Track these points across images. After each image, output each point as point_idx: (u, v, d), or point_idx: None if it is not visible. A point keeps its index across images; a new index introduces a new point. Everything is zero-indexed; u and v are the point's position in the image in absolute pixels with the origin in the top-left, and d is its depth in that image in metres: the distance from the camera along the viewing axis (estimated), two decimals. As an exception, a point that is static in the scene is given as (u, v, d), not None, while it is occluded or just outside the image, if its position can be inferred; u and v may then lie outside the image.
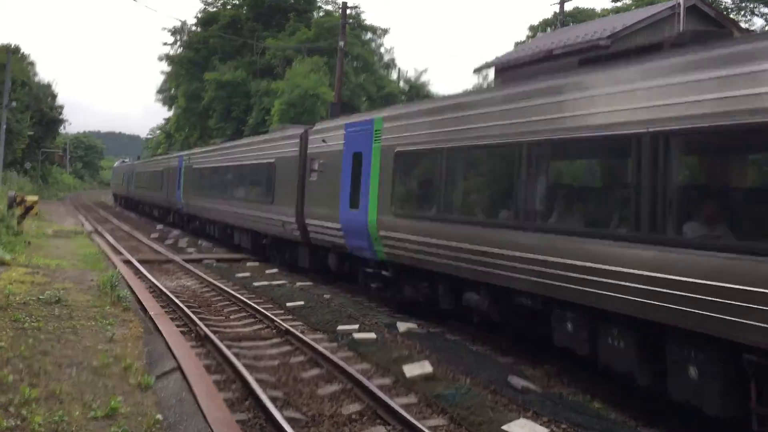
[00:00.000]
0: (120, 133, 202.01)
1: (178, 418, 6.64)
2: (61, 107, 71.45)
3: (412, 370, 9.19)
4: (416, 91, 50.47)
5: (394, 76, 54.68)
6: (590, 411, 8.07)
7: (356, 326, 11.87)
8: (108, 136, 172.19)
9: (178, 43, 59.47)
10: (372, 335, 11.20)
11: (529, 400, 8.20)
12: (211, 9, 57.92)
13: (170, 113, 69.79)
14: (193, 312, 12.70)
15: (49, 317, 10.40)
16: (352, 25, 48.33)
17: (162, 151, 78.21)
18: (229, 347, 10.07)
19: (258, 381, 8.41)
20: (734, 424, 6.98)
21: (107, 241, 26.22)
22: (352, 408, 7.97)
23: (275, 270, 19.48)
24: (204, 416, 6.59)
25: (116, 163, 68.38)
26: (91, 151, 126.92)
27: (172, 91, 63.81)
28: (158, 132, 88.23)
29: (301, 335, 11.04)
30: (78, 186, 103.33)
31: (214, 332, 11.15)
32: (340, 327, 11.82)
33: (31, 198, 26.12)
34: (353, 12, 50.48)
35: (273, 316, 12.48)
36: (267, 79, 47.40)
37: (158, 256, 22.72)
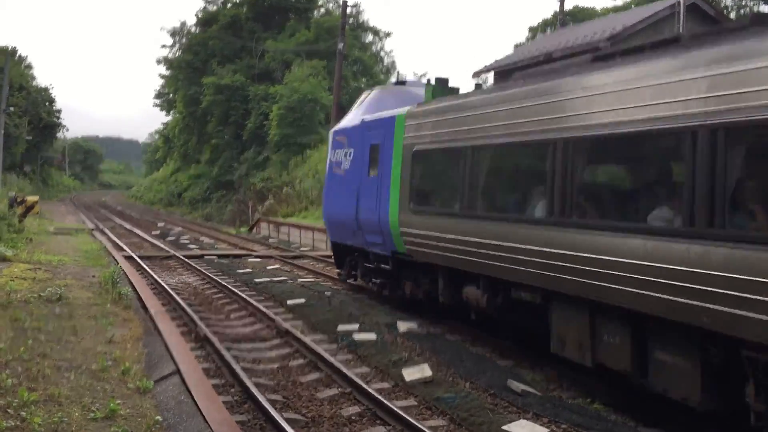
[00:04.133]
0: (118, 137, 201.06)
1: (178, 419, 6.67)
2: (59, 111, 71.09)
3: (411, 374, 9.19)
4: (415, 93, 50.41)
5: (393, 79, 54.67)
6: (590, 412, 8.07)
7: (356, 326, 11.88)
8: (106, 141, 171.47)
9: (177, 45, 59.35)
10: (372, 336, 11.21)
11: (528, 403, 8.22)
12: (211, 8, 57.78)
13: (169, 118, 69.97)
14: (193, 310, 12.71)
15: (50, 316, 10.43)
16: (352, 26, 48.23)
17: (162, 155, 77.21)
18: (228, 349, 10.08)
19: (257, 385, 8.42)
20: (733, 423, 7.01)
21: (109, 238, 26.31)
22: (351, 410, 7.99)
23: (277, 266, 19.51)
24: (203, 417, 6.61)
25: (366, 109, 14.18)
26: (90, 155, 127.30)
27: (171, 96, 63.89)
28: (157, 137, 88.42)
29: (301, 336, 11.05)
30: (78, 187, 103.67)
31: (214, 332, 11.16)
32: (341, 327, 11.82)
33: (31, 198, 26.26)
34: (353, 11, 50.50)
35: (273, 315, 12.49)
36: (266, 83, 47.37)
37: (160, 252, 22.78)
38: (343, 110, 38.95)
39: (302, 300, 14.12)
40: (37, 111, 61.71)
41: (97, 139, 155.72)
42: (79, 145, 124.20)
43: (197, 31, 56.92)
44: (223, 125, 50.05)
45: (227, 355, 9.58)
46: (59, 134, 78.71)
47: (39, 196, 32.31)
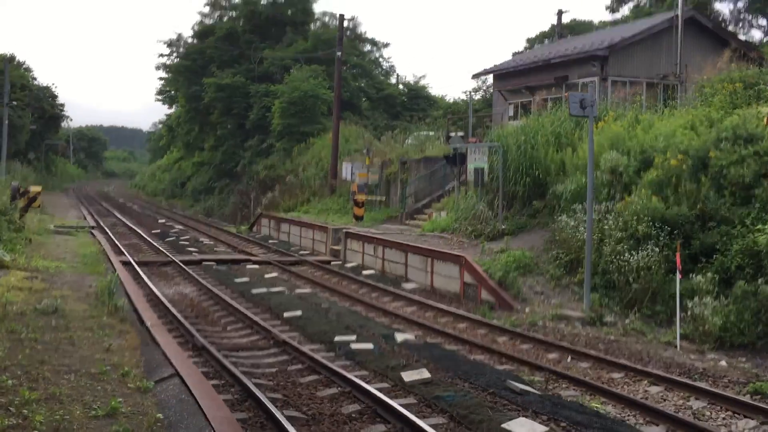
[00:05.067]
0: (122, 127, 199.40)
1: (179, 417, 6.68)
2: (62, 105, 71.41)
3: (410, 375, 9.22)
4: (415, 93, 50.77)
5: (392, 81, 55.06)
6: (589, 411, 8.11)
7: (353, 337, 11.89)
8: (110, 130, 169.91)
9: (175, 54, 59.37)
10: (369, 345, 11.22)
11: (528, 401, 8.26)
12: (207, 21, 57.89)
13: (171, 110, 70.07)
14: (190, 323, 12.70)
15: (46, 328, 10.38)
16: (350, 37, 48.57)
17: (165, 143, 77.55)
18: (226, 357, 10.08)
19: (256, 386, 8.44)
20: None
21: (108, 238, 26.22)
22: (351, 408, 8.04)
23: (275, 274, 19.57)
24: (204, 415, 6.61)
25: None
26: (94, 142, 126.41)
27: (172, 93, 63.94)
28: (160, 126, 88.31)
29: (298, 345, 11.04)
30: (82, 176, 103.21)
31: (211, 343, 11.15)
32: (338, 338, 11.82)
33: (34, 188, 26.07)
34: (350, 24, 50.93)
35: (270, 327, 12.47)
36: (266, 83, 47.49)
37: (158, 257, 22.69)
38: (344, 105, 39.43)
39: (299, 312, 14.11)
40: (41, 105, 61.94)
41: (101, 128, 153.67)
42: (84, 133, 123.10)
43: (194, 42, 56.90)
44: (226, 116, 50.00)
45: (225, 361, 9.59)
46: (63, 124, 78.94)
47: (42, 186, 31.82)
